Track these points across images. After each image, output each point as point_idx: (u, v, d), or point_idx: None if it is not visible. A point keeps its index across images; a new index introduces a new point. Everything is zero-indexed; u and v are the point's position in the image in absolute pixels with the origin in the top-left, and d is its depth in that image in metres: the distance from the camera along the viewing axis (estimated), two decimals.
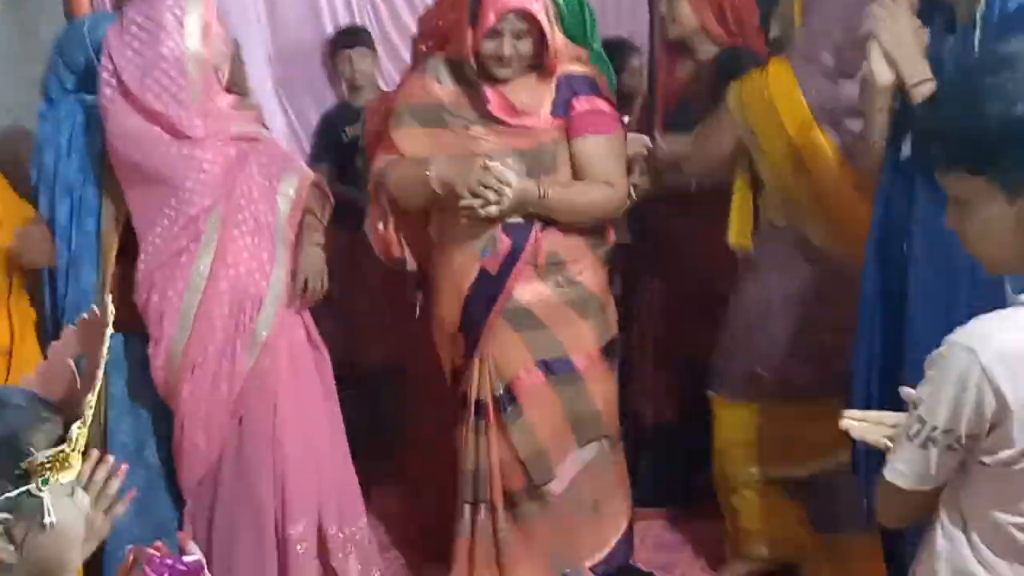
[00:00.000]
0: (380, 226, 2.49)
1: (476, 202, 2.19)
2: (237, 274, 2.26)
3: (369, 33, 3.62)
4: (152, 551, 1.25)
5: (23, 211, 2.39)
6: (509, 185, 2.19)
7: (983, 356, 1.14)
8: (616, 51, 3.01)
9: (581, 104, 2.31)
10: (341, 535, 2.47)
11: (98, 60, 2.27)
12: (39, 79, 2.47)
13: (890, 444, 1.29)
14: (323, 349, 2.47)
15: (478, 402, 2.37)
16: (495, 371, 2.35)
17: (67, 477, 1.11)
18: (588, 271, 2.41)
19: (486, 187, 2.17)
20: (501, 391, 2.35)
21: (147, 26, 2.19)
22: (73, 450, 1.11)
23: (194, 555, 1.29)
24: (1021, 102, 1.13)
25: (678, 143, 2.64)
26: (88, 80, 2.32)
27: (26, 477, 1.05)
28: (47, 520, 1.06)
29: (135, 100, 2.18)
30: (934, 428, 1.21)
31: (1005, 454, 1.18)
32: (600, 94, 2.36)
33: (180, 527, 2.32)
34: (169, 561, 1.25)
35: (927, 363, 1.22)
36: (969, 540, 1.28)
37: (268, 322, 2.28)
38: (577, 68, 2.35)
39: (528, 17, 2.20)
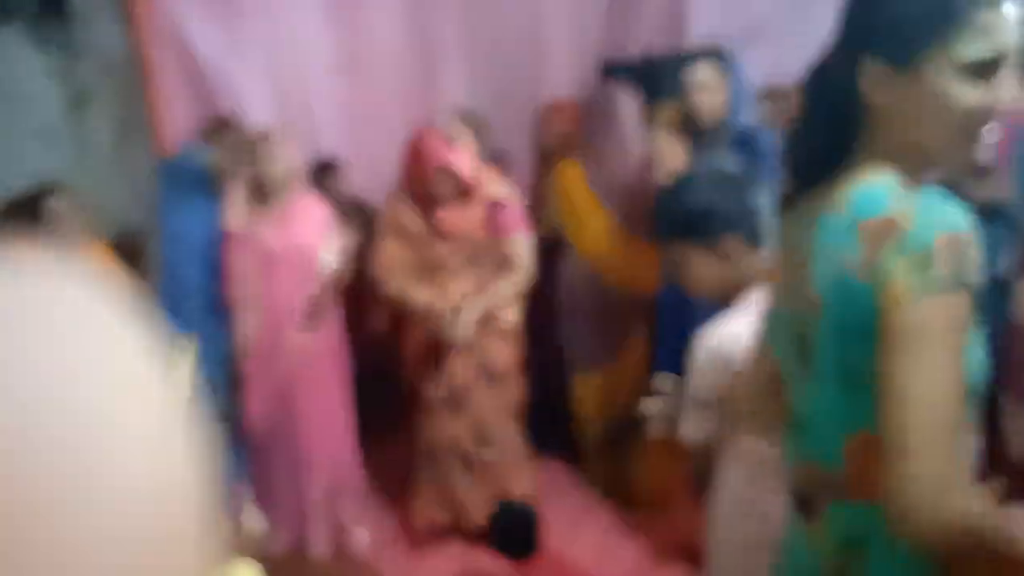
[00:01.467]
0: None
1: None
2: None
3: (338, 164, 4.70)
4: None
5: None
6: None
7: (710, 344, 1.71)
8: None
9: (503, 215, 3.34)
10: (344, 484, 3.57)
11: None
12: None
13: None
14: (344, 354, 3.58)
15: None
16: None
17: None
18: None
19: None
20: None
21: None
22: None
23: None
24: (698, 200, 1.74)
25: None
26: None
27: None
28: None
29: None
30: (689, 396, 1.73)
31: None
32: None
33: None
34: None
35: (689, 352, 1.77)
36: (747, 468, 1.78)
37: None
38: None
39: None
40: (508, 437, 3.49)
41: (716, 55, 3.41)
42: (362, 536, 3.65)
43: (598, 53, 5.77)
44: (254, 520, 1.92)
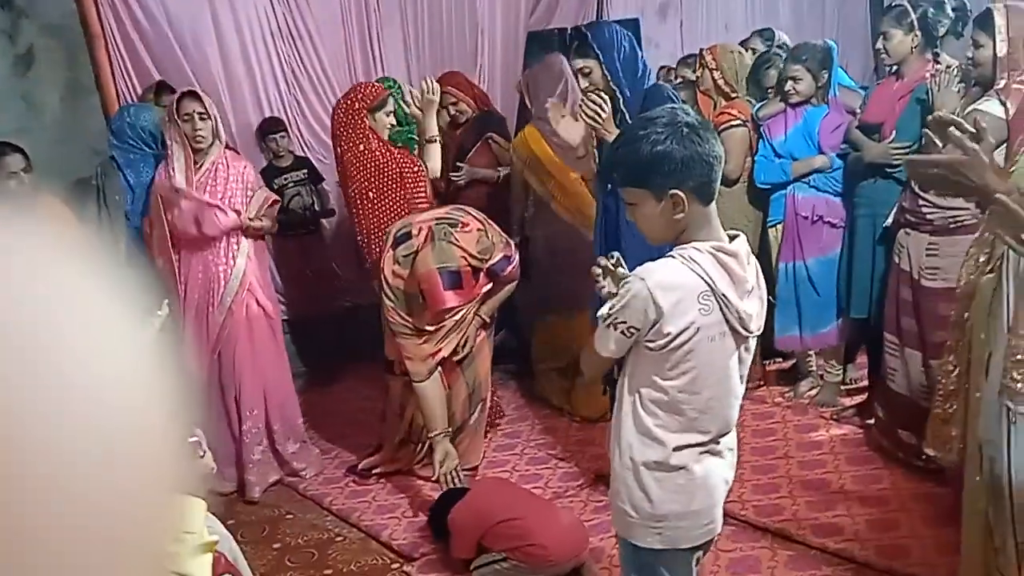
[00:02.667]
0: None
1: None
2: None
3: (283, 121, 4.97)
4: None
5: None
6: None
7: (649, 282, 1.80)
8: None
9: None
10: (282, 429, 3.88)
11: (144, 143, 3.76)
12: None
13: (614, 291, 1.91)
14: (271, 309, 3.83)
15: None
16: None
17: None
18: None
19: None
20: None
21: None
22: None
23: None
24: (654, 145, 1.79)
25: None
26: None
27: None
28: None
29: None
30: (621, 321, 1.84)
31: (660, 341, 1.82)
32: None
33: None
34: None
35: (621, 284, 1.89)
36: (642, 399, 1.91)
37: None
38: None
39: None
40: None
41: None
42: (305, 472, 3.92)
43: (526, 26, 6.10)
44: (201, 460, 2.00)
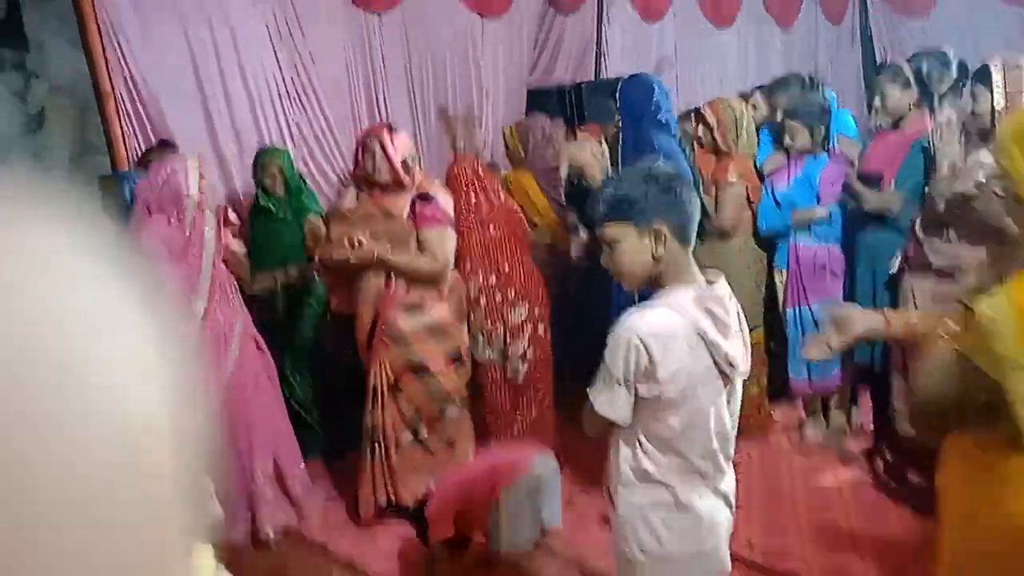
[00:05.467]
0: None
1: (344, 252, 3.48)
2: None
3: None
4: None
5: None
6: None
7: (639, 331, 1.80)
8: None
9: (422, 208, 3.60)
10: (288, 472, 3.79)
11: None
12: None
13: None
14: (268, 355, 3.73)
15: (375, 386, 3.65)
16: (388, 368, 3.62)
17: None
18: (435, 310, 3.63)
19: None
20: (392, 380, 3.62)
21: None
22: None
23: None
24: (637, 182, 1.87)
25: None
26: None
27: None
28: None
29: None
30: (615, 376, 1.83)
31: (654, 388, 1.82)
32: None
33: None
34: None
35: (608, 337, 1.85)
36: (640, 445, 1.92)
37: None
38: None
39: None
40: (442, 426, 3.75)
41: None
42: (310, 516, 3.88)
43: (526, 82, 6.27)
44: (211, 506, 2.04)
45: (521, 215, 4.00)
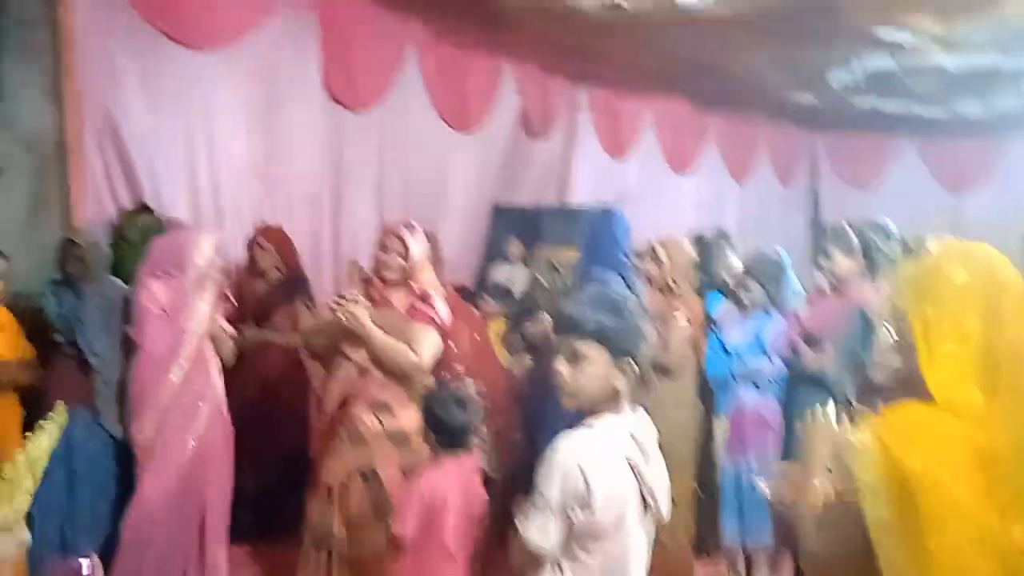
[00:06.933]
0: None
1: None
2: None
3: None
4: None
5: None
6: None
7: (575, 454, 1.78)
8: None
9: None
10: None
11: None
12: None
13: None
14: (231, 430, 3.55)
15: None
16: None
17: None
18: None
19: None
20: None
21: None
22: None
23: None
24: (622, 313, 1.87)
25: None
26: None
27: None
28: None
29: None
30: (549, 501, 1.78)
31: (586, 515, 1.78)
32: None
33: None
34: None
35: (541, 461, 1.81)
36: (563, 572, 1.85)
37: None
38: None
39: None
40: (378, 537, 3.62)
41: None
42: None
43: (491, 198, 6.41)
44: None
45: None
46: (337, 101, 5.46)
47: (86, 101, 4.43)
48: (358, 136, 5.59)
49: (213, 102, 4.95)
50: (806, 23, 6.17)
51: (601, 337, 1.86)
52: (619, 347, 1.86)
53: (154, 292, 3.36)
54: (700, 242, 5.13)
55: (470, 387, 3.05)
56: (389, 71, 5.66)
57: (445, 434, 2.89)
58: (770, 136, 9.56)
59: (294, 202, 5.27)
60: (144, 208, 4.43)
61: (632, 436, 1.85)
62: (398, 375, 3.42)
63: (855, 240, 3.91)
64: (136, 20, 4.56)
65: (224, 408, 3.54)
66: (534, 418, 3.65)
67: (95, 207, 4.48)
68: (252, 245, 4.60)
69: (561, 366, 1.90)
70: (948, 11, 6.23)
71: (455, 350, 3.81)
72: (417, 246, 3.52)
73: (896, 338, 1.67)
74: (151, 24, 4.61)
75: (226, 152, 5.02)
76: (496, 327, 4.43)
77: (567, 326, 1.92)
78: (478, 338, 4.01)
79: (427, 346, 3.43)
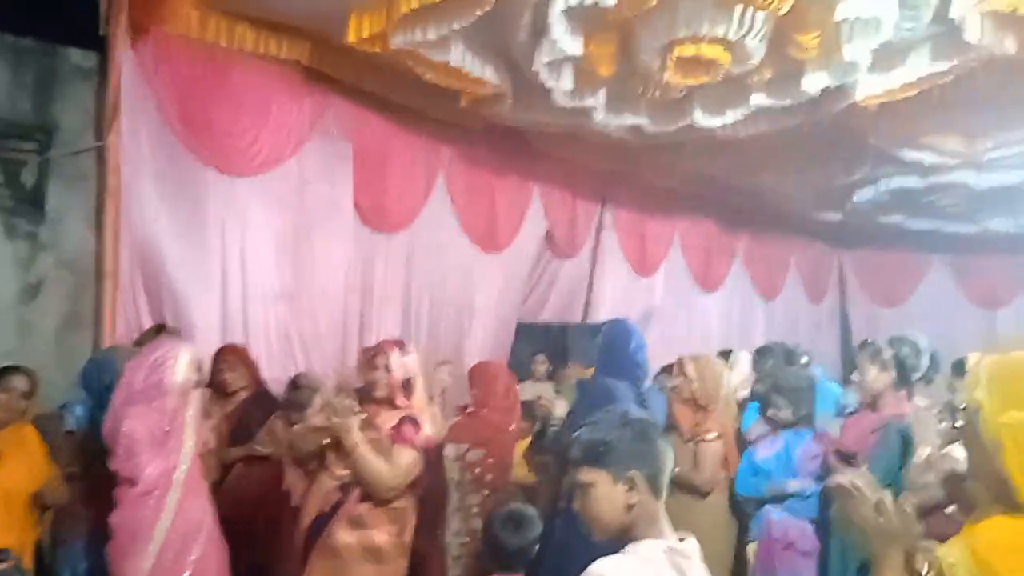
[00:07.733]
0: None
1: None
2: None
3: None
4: None
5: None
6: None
7: None
8: None
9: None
10: None
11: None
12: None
13: None
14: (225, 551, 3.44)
15: None
16: None
17: None
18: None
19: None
20: None
21: None
22: None
23: None
24: (613, 428, 1.85)
25: None
26: None
27: None
28: None
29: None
30: None
31: None
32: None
33: None
34: None
35: None
36: None
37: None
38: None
39: None
40: None
41: None
42: None
43: (517, 316, 6.44)
44: None
45: None
46: (368, 224, 5.60)
47: (124, 226, 4.58)
48: (386, 256, 5.70)
49: (247, 224, 5.10)
50: (829, 144, 6.29)
51: (593, 458, 1.86)
52: (617, 463, 1.83)
53: (135, 420, 3.22)
54: (727, 359, 5.09)
55: (529, 508, 2.99)
56: (419, 196, 5.84)
57: (499, 554, 2.81)
58: (799, 254, 9.60)
59: (320, 321, 5.33)
60: (161, 328, 4.49)
61: (674, 562, 1.79)
62: (372, 491, 3.39)
63: (888, 354, 3.86)
64: (179, 149, 4.78)
65: (217, 531, 3.42)
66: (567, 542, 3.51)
67: (124, 328, 4.56)
68: (220, 367, 4.49)
69: (575, 502, 1.90)
70: (973, 133, 6.33)
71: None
72: (399, 364, 3.52)
73: (957, 426, 1.67)
74: (194, 154, 4.82)
75: (257, 274, 5.12)
76: (520, 445, 4.36)
77: (566, 462, 1.94)
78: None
79: (404, 465, 3.42)
